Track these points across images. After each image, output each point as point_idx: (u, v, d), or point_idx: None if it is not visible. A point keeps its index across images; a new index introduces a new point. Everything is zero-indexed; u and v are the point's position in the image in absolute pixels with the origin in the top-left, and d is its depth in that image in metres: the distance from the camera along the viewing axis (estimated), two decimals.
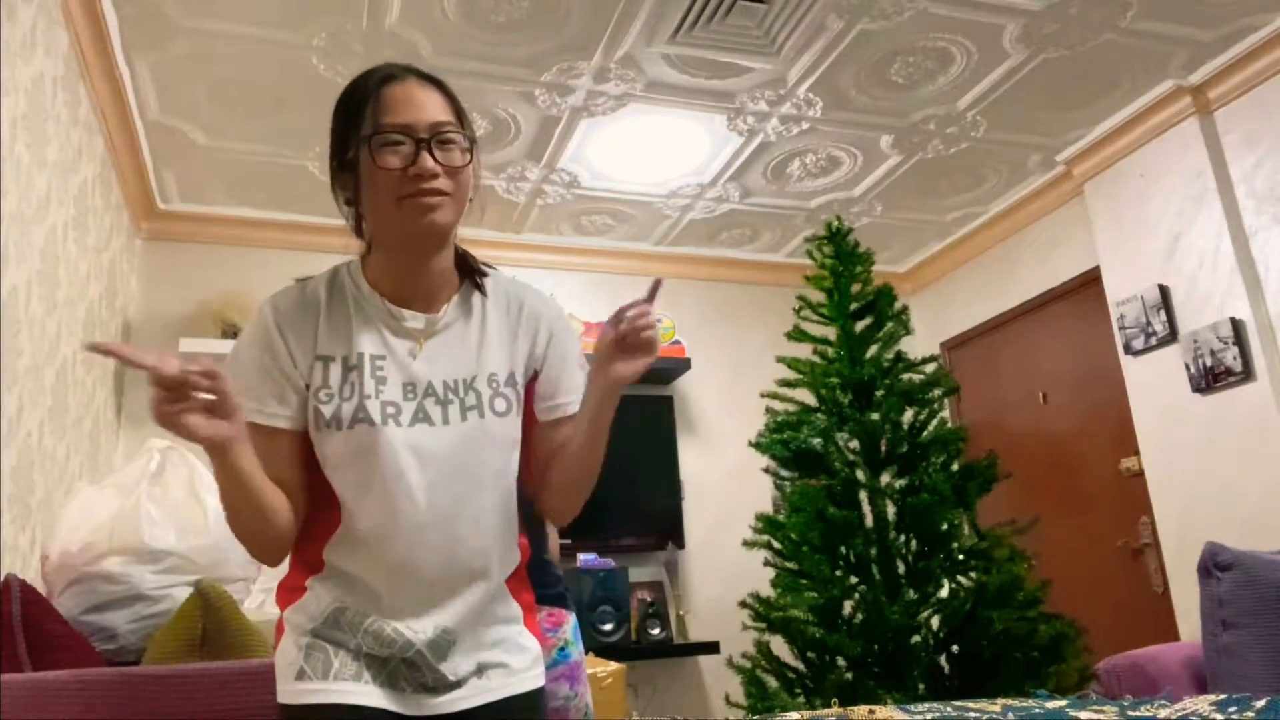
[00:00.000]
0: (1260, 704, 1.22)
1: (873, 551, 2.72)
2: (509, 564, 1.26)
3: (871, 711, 1.27)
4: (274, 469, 1.14)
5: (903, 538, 2.76)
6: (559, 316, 1.34)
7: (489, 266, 1.32)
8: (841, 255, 3.04)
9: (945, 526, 2.73)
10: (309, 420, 1.17)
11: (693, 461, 4.39)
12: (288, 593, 1.22)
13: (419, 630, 1.16)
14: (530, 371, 1.28)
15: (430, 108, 1.17)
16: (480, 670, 1.20)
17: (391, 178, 1.14)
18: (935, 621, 2.71)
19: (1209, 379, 3.29)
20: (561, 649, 2.11)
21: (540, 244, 4.41)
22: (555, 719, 2.09)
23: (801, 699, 2.62)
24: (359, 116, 1.16)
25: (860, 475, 2.81)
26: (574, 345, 1.33)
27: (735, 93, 3.30)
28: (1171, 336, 3.44)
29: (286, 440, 1.17)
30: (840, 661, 2.62)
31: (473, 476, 1.20)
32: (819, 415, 2.89)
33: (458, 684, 1.18)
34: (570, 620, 2.17)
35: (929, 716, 1.26)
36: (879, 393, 2.88)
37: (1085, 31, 3.03)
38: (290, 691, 1.14)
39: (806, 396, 2.95)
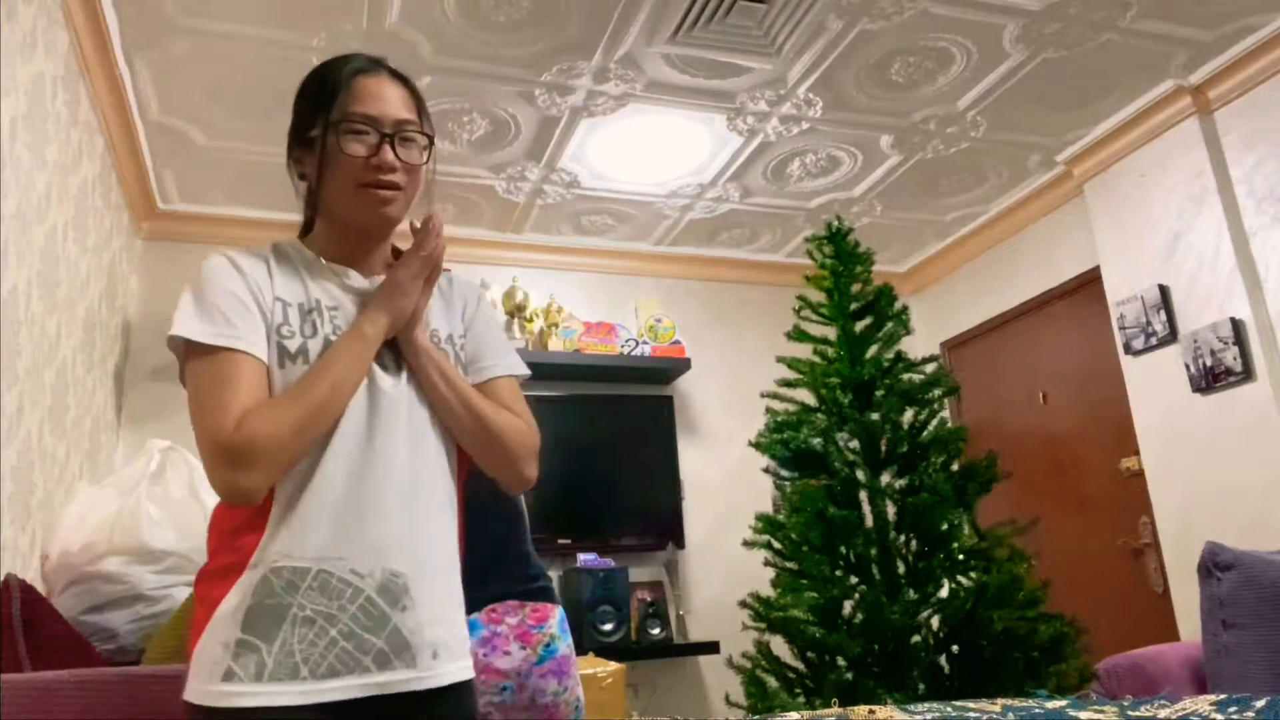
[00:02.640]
0: (1260, 704, 1.22)
1: (873, 551, 2.72)
2: (450, 517, 1.26)
3: (871, 711, 1.27)
4: (250, 396, 1.12)
5: (903, 538, 2.76)
6: (485, 298, 1.43)
7: None
8: (841, 255, 3.04)
9: (945, 526, 2.73)
10: (271, 357, 1.17)
11: (693, 461, 4.39)
12: (214, 578, 1.15)
13: (366, 574, 1.12)
14: (462, 334, 1.35)
15: (397, 104, 1.24)
16: (435, 654, 1.16)
17: (354, 164, 1.20)
18: (935, 621, 2.71)
19: (1209, 379, 3.29)
20: (548, 644, 2.10)
21: (540, 244, 4.41)
22: (545, 716, 2.08)
23: (801, 699, 2.62)
24: (329, 101, 1.22)
25: (860, 475, 2.81)
26: (500, 327, 1.44)
27: (735, 93, 3.30)
28: (1171, 336, 3.44)
29: (262, 373, 1.15)
30: (840, 661, 2.62)
31: (421, 421, 1.22)
32: (819, 415, 2.89)
33: (414, 655, 1.13)
34: (556, 614, 2.15)
35: (929, 716, 1.26)
36: (879, 393, 2.88)
37: (1085, 31, 3.03)
38: (212, 693, 1.07)
39: (806, 396, 2.95)
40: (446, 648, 1.18)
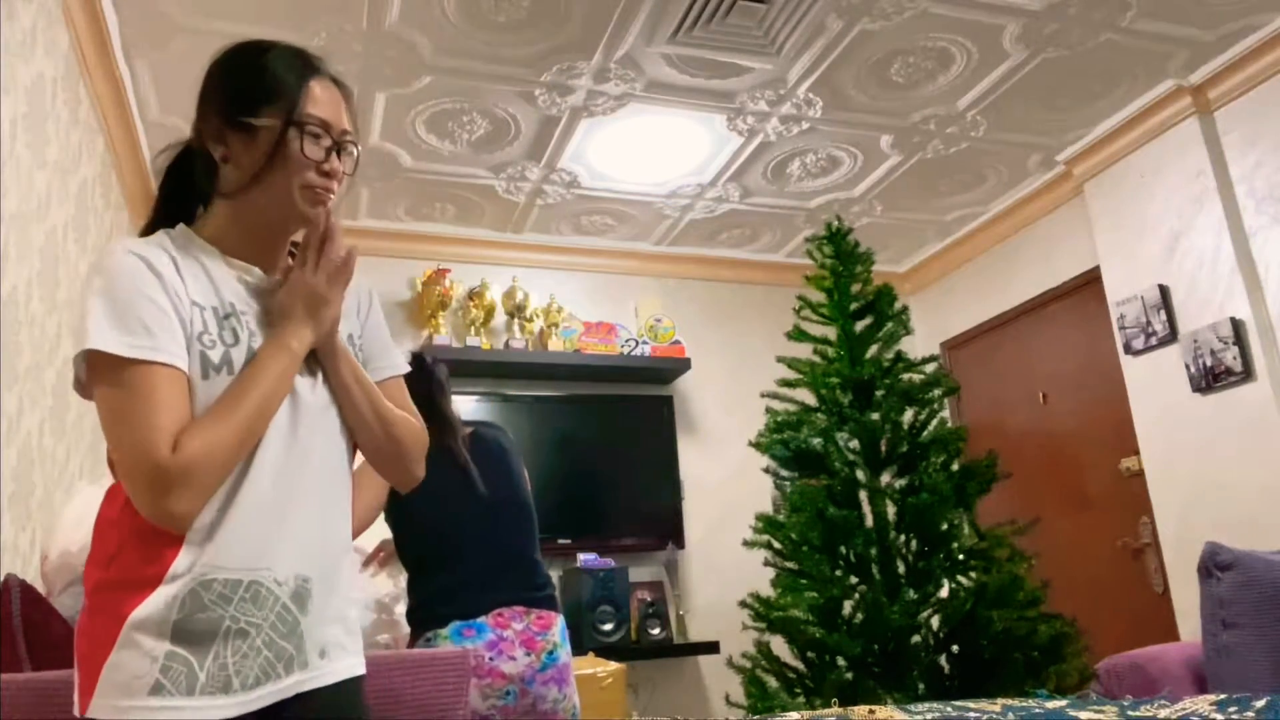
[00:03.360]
0: (1260, 704, 1.22)
1: (873, 551, 2.72)
2: (349, 512, 1.26)
3: (871, 711, 1.27)
4: (175, 414, 1.06)
5: (903, 538, 2.76)
6: (374, 292, 1.41)
7: None
8: (841, 255, 3.04)
9: (945, 526, 2.73)
10: (193, 368, 1.11)
11: (693, 461, 4.39)
12: (123, 590, 1.06)
13: (284, 582, 1.11)
14: (360, 334, 1.34)
15: (343, 113, 1.24)
16: (323, 653, 1.16)
17: (309, 166, 1.19)
18: (935, 621, 2.71)
19: (1209, 379, 3.29)
20: (550, 652, 2.11)
21: (540, 244, 4.41)
22: None
23: (801, 699, 2.62)
24: (288, 95, 1.18)
25: (860, 475, 2.81)
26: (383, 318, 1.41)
27: (735, 93, 3.30)
28: (1171, 336, 3.44)
29: (184, 384, 1.09)
30: (840, 661, 2.62)
31: (332, 423, 1.22)
32: (819, 415, 2.89)
33: (305, 658, 1.13)
34: (558, 622, 2.17)
35: (929, 716, 1.26)
36: (879, 393, 2.88)
37: (1085, 31, 3.03)
38: (136, 708, 1.01)
39: (806, 396, 2.95)
40: (338, 645, 1.18)
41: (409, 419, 1.30)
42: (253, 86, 1.19)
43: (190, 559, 1.07)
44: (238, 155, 1.19)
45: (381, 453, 1.28)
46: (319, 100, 1.20)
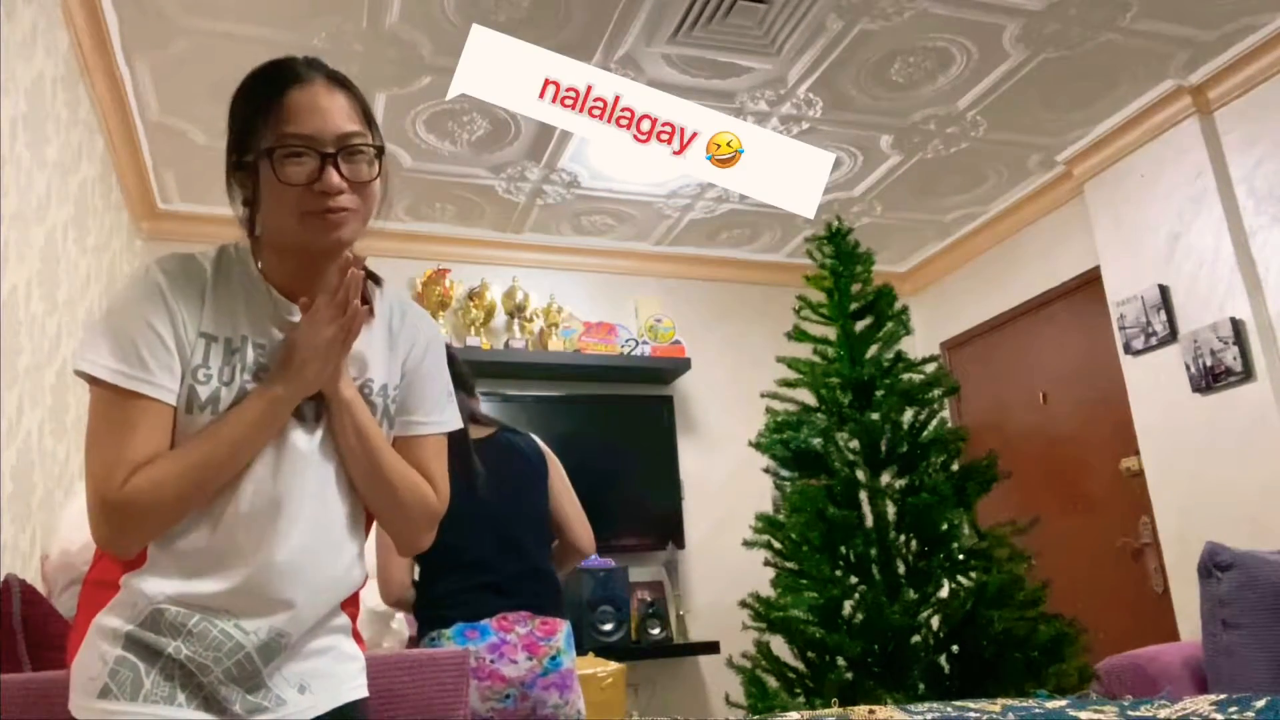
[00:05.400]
0: (1260, 704, 1.22)
1: (873, 551, 2.72)
2: (353, 577, 1.20)
3: (871, 711, 1.28)
4: (147, 448, 1.05)
5: (903, 538, 2.76)
6: (437, 338, 1.31)
7: (378, 277, 1.28)
8: (842, 255, 3.04)
9: (945, 526, 2.73)
10: (180, 398, 1.09)
11: (693, 461, 4.39)
12: (97, 589, 1.10)
13: (251, 631, 1.08)
14: (397, 384, 1.25)
15: (337, 116, 1.12)
16: (302, 688, 1.13)
17: (294, 193, 1.10)
18: (935, 621, 2.71)
19: (1209, 379, 3.29)
20: (553, 658, 2.11)
21: (540, 244, 4.41)
22: None
23: (801, 699, 2.62)
24: (260, 122, 1.12)
25: (860, 475, 2.81)
26: (445, 372, 1.30)
27: (735, 93, 3.30)
28: (1171, 336, 3.44)
29: (168, 418, 1.08)
30: (840, 661, 2.62)
31: (334, 480, 1.16)
32: (819, 415, 2.89)
33: (279, 695, 1.11)
34: (564, 629, 2.17)
35: (929, 716, 1.26)
36: (879, 393, 2.88)
37: (1085, 31, 3.03)
38: (90, 709, 1.04)
39: (806, 396, 2.95)
40: (323, 676, 1.15)
41: (418, 486, 1.21)
42: (239, 123, 1.17)
43: (152, 579, 1.07)
44: (251, 196, 1.17)
45: (382, 515, 1.22)
46: (297, 113, 1.11)
